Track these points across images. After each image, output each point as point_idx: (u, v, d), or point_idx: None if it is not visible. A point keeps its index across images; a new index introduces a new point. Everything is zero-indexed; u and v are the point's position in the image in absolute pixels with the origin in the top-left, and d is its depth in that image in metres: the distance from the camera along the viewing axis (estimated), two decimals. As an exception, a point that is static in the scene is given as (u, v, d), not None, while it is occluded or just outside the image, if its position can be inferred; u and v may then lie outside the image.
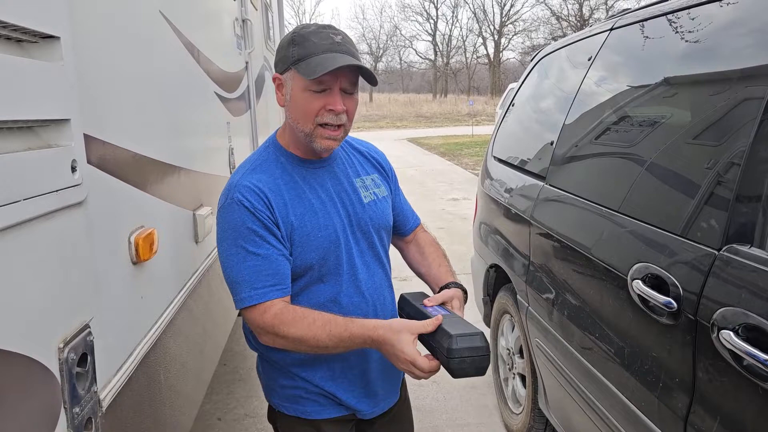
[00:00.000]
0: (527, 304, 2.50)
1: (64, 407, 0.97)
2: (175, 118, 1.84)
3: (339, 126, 1.39)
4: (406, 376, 1.68)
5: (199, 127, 2.25)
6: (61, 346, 0.97)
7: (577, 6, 42.35)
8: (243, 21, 3.41)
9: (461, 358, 1.29)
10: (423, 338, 1.37)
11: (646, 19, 2.06)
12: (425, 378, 1.33)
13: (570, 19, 42.70)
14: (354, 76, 1.39)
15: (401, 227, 1.72)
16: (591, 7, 41.53)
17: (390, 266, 1.63)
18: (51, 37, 0.98)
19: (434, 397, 3.36)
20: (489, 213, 3.25)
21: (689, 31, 1.78)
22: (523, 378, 2.84)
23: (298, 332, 1.33)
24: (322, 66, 1.31)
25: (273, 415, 1.56)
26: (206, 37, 2.38)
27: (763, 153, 1.32)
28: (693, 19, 1.76)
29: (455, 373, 1.31)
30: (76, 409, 1.00)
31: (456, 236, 6.80)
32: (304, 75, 1.33)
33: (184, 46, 1.97)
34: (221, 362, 2.41)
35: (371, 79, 1.42)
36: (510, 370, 3.02)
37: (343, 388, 1.49)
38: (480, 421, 3.13)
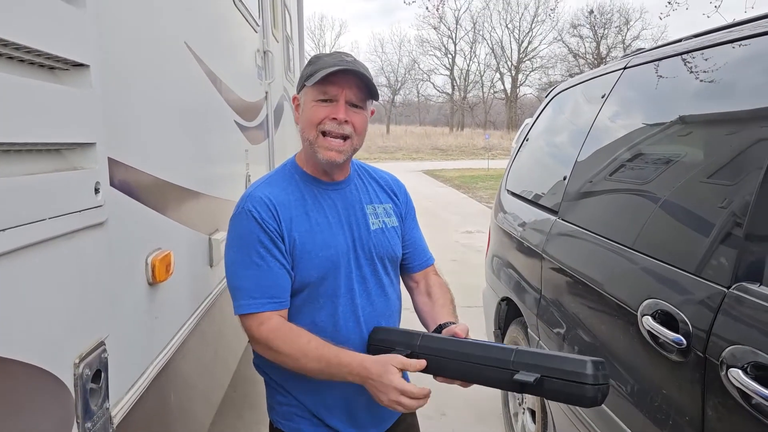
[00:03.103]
0: (538, 338, 2.49)
1: (77, 422, 0.99)
2: (195, 145, 1.89)
3: (344, 139, 1.46)
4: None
5: (218, 154, 2.30)
6: (77, 361, 0.99)
7: (594, 44, 42.71)
8: (264, 52, 3.50)
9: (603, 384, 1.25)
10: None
11: (660, 59, 2.09)
12: (420, 406, 1.33)
13: (587, 56, 43.04)
14: (361, 92, 1.46)
15: (409, 261, 1.70)
16: (608, 46, 41.94)
17: (398, 299, 1.64)
18: (81, 65, 1.03)
19: (442, 430, 3.32)
20: (501, 246, 3.26)
21: (703, 71, 1.81)
22: (533, 413, 2.80)
23: (290, 349, 1.38)
24: (324, 72, 1.41)
25: (272, 431, 1.61)
26: (228, 67, 2.45)
27: (773, 192, 1.33)
28: (706, 60, 1.79)
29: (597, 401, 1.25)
30: (88, 425, 1.02)
31: (469, 269, 6.78)
32: (310, 83, 1.43)
33: (207, 76, 2.04)
34: (232, 387, 2.42)
35: (372, 91, 1.48)
36: (520, 404, 2.99)
37: (329, 413, 1.52)
38: (489, 456, 3.09)
